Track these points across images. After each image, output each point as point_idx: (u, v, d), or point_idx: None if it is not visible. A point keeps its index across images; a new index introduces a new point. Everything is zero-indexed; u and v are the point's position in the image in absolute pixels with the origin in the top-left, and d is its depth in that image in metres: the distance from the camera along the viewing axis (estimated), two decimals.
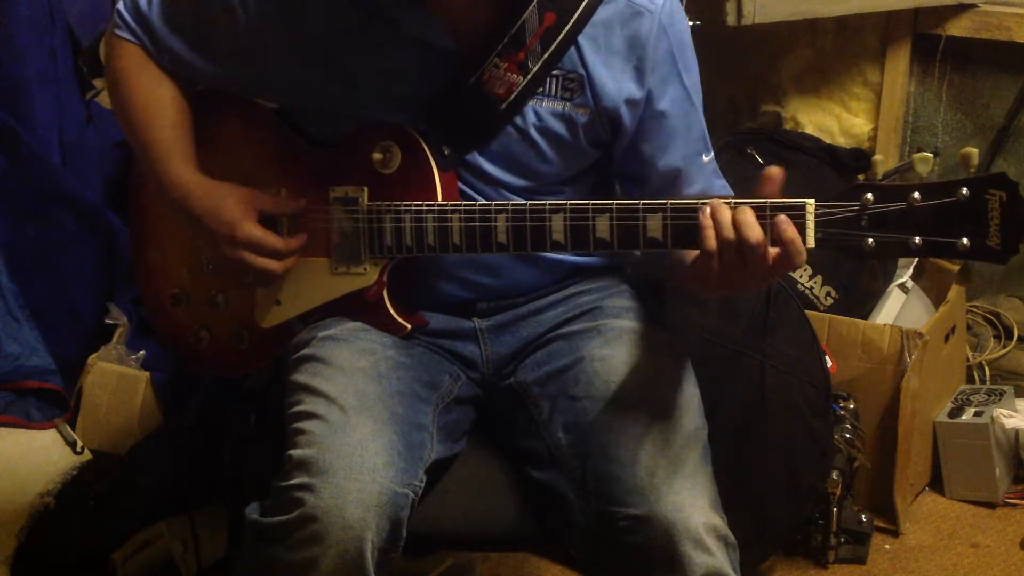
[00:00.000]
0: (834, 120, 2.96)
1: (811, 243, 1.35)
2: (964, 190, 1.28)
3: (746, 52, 3.03)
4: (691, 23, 2.44)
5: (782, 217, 1.34)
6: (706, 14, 2.51)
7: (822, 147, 2.78)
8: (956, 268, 2.67)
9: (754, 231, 1.33)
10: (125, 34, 1.68)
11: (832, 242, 1.34)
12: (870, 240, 1.32)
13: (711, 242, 1.36)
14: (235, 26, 1.60)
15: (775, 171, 1.36)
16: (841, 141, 2.92)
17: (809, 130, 2.95)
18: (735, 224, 1.34)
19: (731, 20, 2.53)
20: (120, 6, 1.69)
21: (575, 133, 1.58)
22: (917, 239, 1.31)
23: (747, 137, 2.77)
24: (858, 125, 2.94)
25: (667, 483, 1.45)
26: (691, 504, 1.44)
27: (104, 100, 2.58)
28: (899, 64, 2.87)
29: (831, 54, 2.94)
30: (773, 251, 1.34)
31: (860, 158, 2.74)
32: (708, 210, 1.37)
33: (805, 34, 2.95)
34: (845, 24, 2.87)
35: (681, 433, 1.52)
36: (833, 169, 2.70)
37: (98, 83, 2.56)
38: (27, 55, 2.42)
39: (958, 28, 2.75)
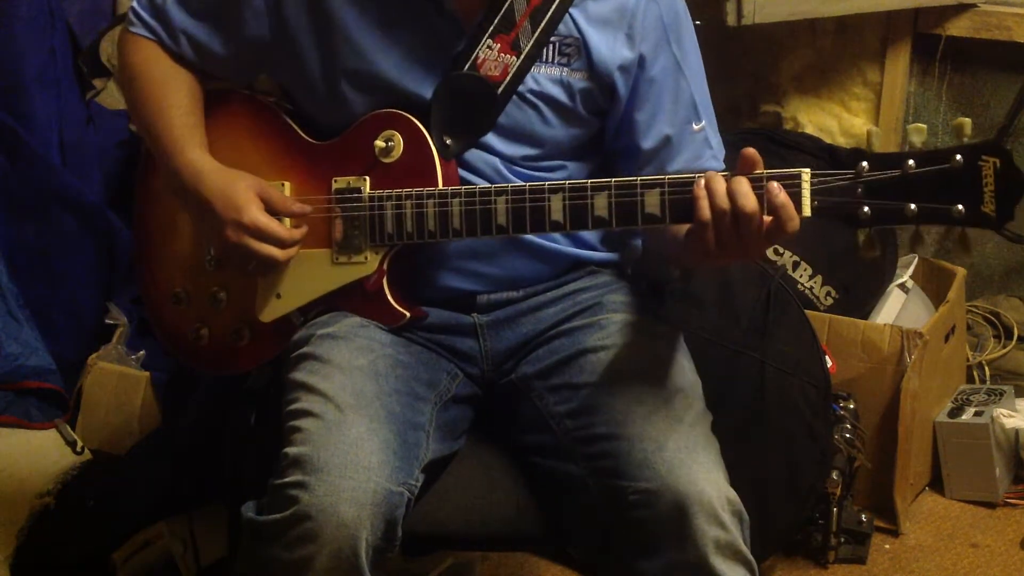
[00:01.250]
0: (834, 120, 2.95)
1: (807, 212, 1.35)
2: (958, 157, 1.28)
3: (746, 52, 3.03)
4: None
5: (773, 183, 1.34)
6: (706, 14, 2.51)
7: (822, 147, 2.77)
8: (957, 269, 2.67)
9: (749, 200, 1.34)
10: (140, 30, 1.71)
11: (828, 210, 1.35)
12: (866, 208, 1.33)
13: (705, 212, 1.37)
14: (252, 3, 1.62)
15: (752, 153, 1.37)
16: (841, 141, 2.92)
17: (809, 130, 2.95)
18: (730, 194, 1.36)
19: (731, 20, 2.53)
20: (134, 4, 1.72)
21: (573, 99, 1.60)
22: (912, 206, 1.31)
23: (747, 137, 2.77)
24: (858, 125, 2.94)
25: (678, 457, 1.45)
26: (704, 477, 1.44)
27: (104, 100, 2.59)
28: (899, 64, 2.86)
29: (831, 54, 2.94)
30: (766, 219, 1.35)
31: (860, 158, 2.73)
32: (703, 181, 1.38)
33: (805, 34, 2.95)
34: (845, 24, 2.86)
35: (687, 410, 1.53)
36: (833, 169, 2.69)
37: (98, 83, 2.57)
38: (27, 55, 2.43)
39: (958, 28, 2.75)
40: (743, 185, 1.35)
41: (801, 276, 2.54)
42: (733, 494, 1.47)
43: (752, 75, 3.07)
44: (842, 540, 2.35)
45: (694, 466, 1.45)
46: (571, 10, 1.57)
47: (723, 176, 1.38)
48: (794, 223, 1.34)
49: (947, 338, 2.57)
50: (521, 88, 1.59)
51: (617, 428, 1.51)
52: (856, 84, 2.93)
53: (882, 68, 2.88)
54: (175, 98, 1.68)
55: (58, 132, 2.49)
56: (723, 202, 1.36)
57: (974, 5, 2.72)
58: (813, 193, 1.35)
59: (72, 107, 2.51)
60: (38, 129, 2.45)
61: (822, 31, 2.92)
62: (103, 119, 2.56)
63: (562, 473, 1.56)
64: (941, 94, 2.86)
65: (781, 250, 2.52)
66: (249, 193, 1.59)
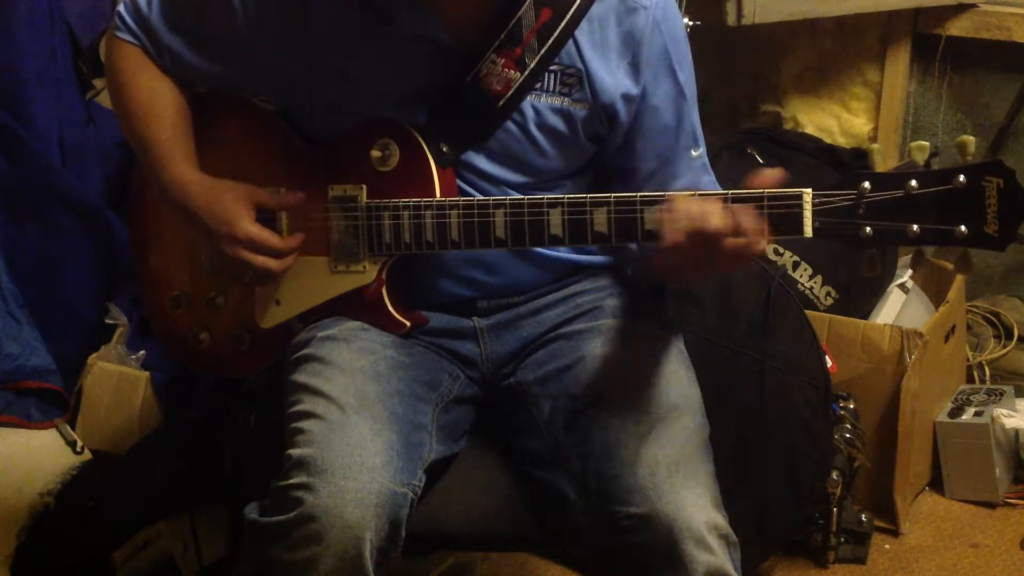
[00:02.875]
0: (834, 120, 2.96)
1: (809, 232, 1.35)
2: (961, 177, 1.28)
3: (746, 52, 3.03)
4: (691, 23, 2.46)
5: (740, 206, 1.35)
6: (706, 14, 2.51)
7: (822, 147, 2.78)
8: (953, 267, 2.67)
9: (716, 220, 1.34)
10: (125, 35, 1.69)
11: (830, 231, 1.34)
12: (868, 228, 1.33)
13: (675, 235, 1.36)
14: (235, 24, 1.60)
15: (774, 174, 1.37)
16: (841, 141, 2.92)
17: (809, 130, 2.95)
18: (698, 215, 1.35)
19: (731, 20, 2.53)
20: (120, 8, 1.70)
21: (574, 128, 1.59)
22: (915, 227, 1.31)
23: (747, 137, 2.77)
24: (858, 125, 2.94)
25: (668, 481, 1.45)
26: (692, 503, 1.44)
27: (104, 100, 2.59)
28: (899, 64, 2.87)
29: (831, 54, 2.94)
30: (737, 241, 1.34)
31: (860, 158, 2.74)
32: (672, 203, 1.38)
33: (805, 34, 2.95)
34: (845, 24, 2.87)
35: (682, 432, 1.52)
36: (833, 169, 2.70)
37: (98, 83, 2.56)
38: (27, 55, 2.42)
39: (958, 28, 2.75)
40: (714, 206, 1.35)
41: (801, 276, 2.54)
42: (720, 519, 1.46)
43: (752, 75, 3.07)
44: (842, 540, 2.36)
45: (683, 491, 1.45)
46: (576, 35, 1.54)
47: (691, 196, 1.38)
48: (760, 246, 1.34)
49: (947, 338, 2.57)
50: (522, 119, 1.57)
51: (611, 449, 1.50)
52: (856, 84, 2.93)
53: (882, 68, 2.89)
54: (161, 109, 1.67)
55: (58, 132, 2.48)
56: (692, 223, 1.35)
57: (974, 5, 2.72)
58: (815, 214, 1.34)
59: (72, 107, 2.51)
60: (38, 129, 2.45)
61: (822, 31, 2.92)
62: (103, 119, 2.56)
63: (554, 488, 1.56)
64: (941, 94, 2.86)
65: (781, 250, 2.53)
66: (239, 205, 1.59)
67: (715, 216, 1.34)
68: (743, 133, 2.82)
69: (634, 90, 1.57)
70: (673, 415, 1.53)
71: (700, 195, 1.39)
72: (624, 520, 1.45)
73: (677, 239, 1.36)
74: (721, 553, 1.44)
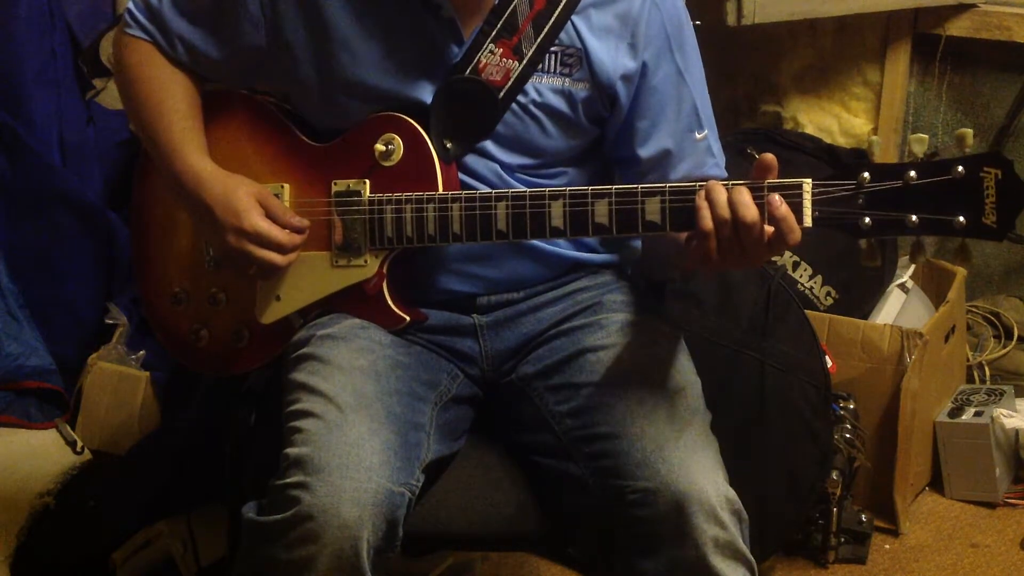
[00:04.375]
0: (834, 120, 2.95)
1: (808, 222, 1.36)
2: (960, 168, 1.29)
3: (746, 52, 3.03)
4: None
5: (775, 196, 1.35)
6: (706, 14, 2.51)
7: (822, 147, 2.78)
8: (957, 269, 2.67)
9: (749, 210, 1.35)
10: (136, 32, 1.70)
11: (829, 221, 1.35)
12: (867, 219, 1.33)
13: (707, 222, 1.37)
14: (249, 9, 1.61)
15: (770, 159, 1.38)
16: (841, 141, 2.92)
17: (809, 130, 2.95)
18: (731, 204, 1.36)
19: (731, 20, 2.53)
20: (129, 5, 1.71)
21: (575, 109, 1.60)
22: (914, 217, 1.31)
23: (747, 137, 2.77)
24: (858, 125, 2.94)
25: (676, 455, 1.46)
26: (703, 477, 1.45)
27: (104, 100, 2.59)
28: (899, 64, 2.87)
29: (831, 54, 2.94)
30: (768, 229, 1.35)
31: (860, 158, 2.74)
32: (704, 191, 1.38)
33: (805, 34, 2.95)
34: (845, 24, 2.87)
35: (687, 410, 1.53)
36: (833, 169, 2.70)
37: (98, 83, 2.57)
38: (27, 55, 2.43)
39: (958, 28, 2.75)
40: (744, 195, 1.36)
41: (801, 276, 2.54)
42: (732, 493, 1.47)
43: (752, 75, 3.07)
44: (842, 540, 2.35)
45: (693, 465, 1.46)
46: (573, 18, 1.56)
47: (724, 185, 1.38)
48: (795, 235, 1.35)
49: (947, 338, 2.57)
50: (523, 99, 1.59)
51: (617, 428, 1.51)
52: (856, 84, 2.93)
53: (882, 68, 2.89)
54: (173, 102, 1.68)
55: (58, 132, 2.49)
56: (724, 212, 1.36)
57: (974, 5, 2.72)
58: (814, 204, 1.35)
59: (72, 107, 2.52)
60: (38, 129, 2.46)
61: (822, 31, 2.92)
62: (103, 119, 2.57)
63: (562, 472, 1.57)
64: (941, 94, 2.86)
65: None
66: (249, 199, 1.59)
67: (747, 205, 1.35)
68: (743, 133, 2.82)
69: (633, 70, 1.58)
70: (678, 395, 1.55)
71: (700, 185, 1.40)
72: (631, 494, 1.46)
73: (708, 227, 1.37)
74: (733, 528, 1.45)
